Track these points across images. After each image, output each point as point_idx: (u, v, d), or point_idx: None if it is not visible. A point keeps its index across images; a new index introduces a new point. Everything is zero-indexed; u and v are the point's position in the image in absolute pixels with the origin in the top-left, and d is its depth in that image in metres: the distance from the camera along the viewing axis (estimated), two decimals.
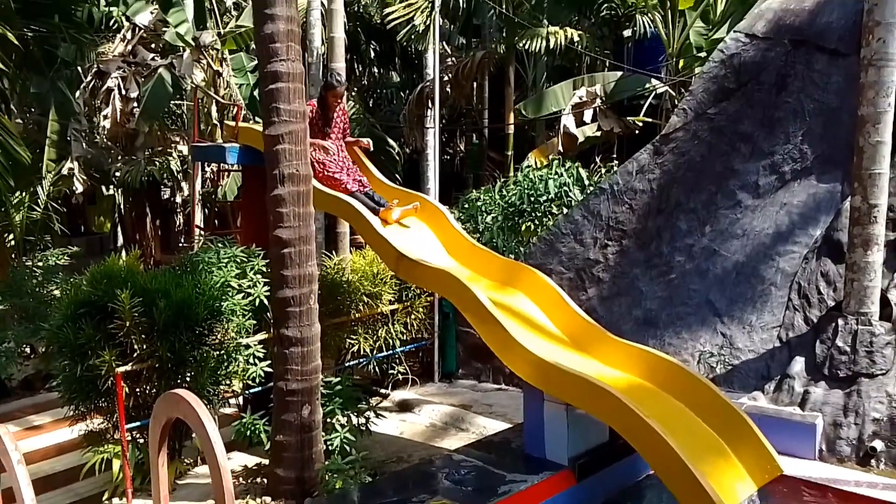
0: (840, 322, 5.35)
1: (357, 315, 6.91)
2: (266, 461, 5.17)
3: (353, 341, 6.88)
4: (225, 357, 5.42)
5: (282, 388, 4.83)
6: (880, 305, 5.27)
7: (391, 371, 7.39)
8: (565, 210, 8.32)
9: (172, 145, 12.38)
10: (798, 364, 5.42)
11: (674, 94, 11.59)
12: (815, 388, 5.21)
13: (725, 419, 4.18)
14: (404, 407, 6.91)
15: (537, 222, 8.50)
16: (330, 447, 5.04)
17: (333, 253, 7.80)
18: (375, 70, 16.26)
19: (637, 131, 12.52)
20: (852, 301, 5.33)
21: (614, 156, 12.57)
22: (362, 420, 5.52)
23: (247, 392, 5.93)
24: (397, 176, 11.74)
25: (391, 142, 12.63)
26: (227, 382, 5.58)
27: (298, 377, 4.81)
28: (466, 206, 9.52)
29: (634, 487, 4.60)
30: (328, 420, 5.28)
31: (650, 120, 12.27)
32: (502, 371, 7.34)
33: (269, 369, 5.34)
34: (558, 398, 4.31)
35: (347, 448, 5.05)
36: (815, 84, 6.60)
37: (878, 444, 4.76)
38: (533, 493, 4.02)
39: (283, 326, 4.84)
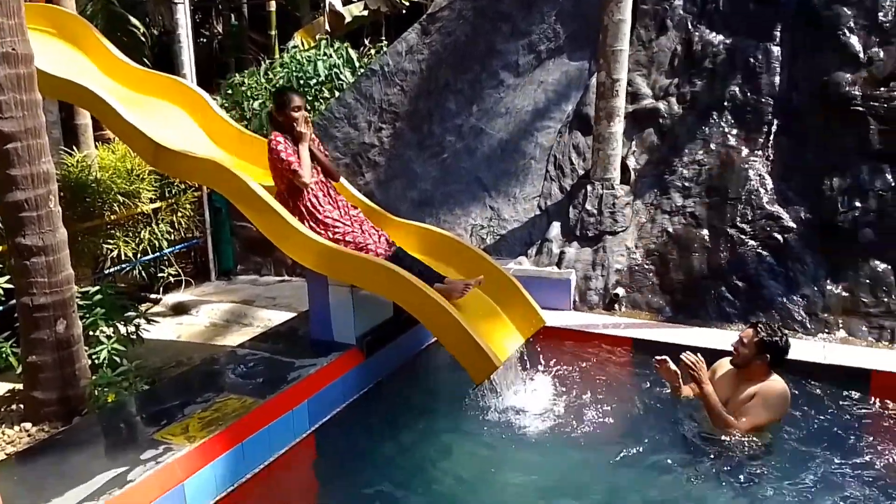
0: (588, 188, 5.96)
1: (113, 217, 6.20)
2: (20, 386, 4.59)
3: (111, 246, 6.20)
4: None
5: (27, 304, 4.23)
6: (621, 171, 5.95)
7: (161, 274, 6.86)
8: (337, 93, 8.06)
9: None
10: (555, 229, 5.99)
11: None
12: (569, 248, 5.82)
13: (497, 283, 4.52)
14: (180, 310, 6.49)
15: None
16: (96, 361, 4.59)
17: (75, 149, 6.80)
18: None
19: (404, 11, 12.34)
20: (598, 169, 5.94)
21: (383, 37, 12.33)
22: (131, 328, 5.08)
23: None
24: (145, 60, 10.41)
25: (134, 21, 11.07)
26: None
27: (46, 290, 4.22)
28: (230, 91, 8.81)
29: (419, 355, 4.88)
30: (91, 333, 4.78)
31: None
32: (284, 262, 7.18)
33: (10, 285, 4.63)
34: (343, 282, 4.32)
35: (117, 359, 4.65)
36: None
37: (620, 291, 5.51)
38: (323, 374, 4.06)
39: (19, 235, 4.17)
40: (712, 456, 3.48)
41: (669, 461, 3.47)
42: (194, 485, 3.16)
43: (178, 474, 3.10)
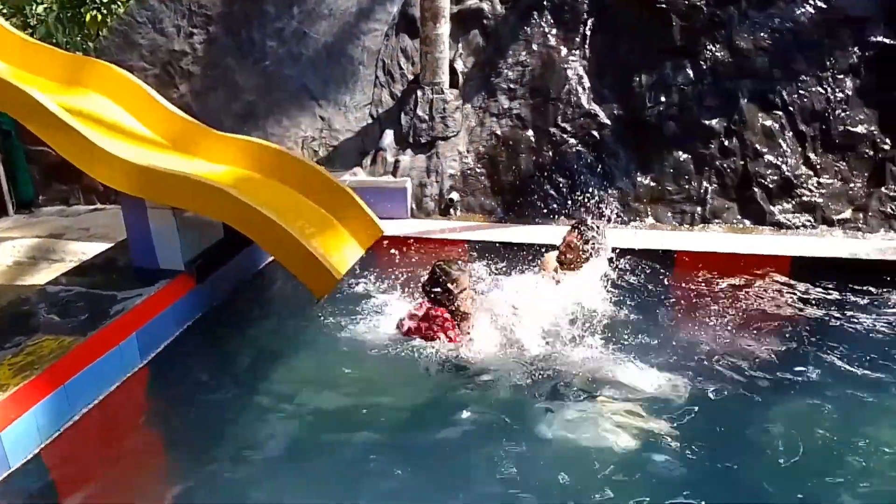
0: (419, 93, 5.91)
1: None
2: None
3: None
4: None
5: None
6: (449, 74, 5.94)
7: None
8: None
9: None
10: (388, 137, 5.93)
11: None
12: (404, 156, 5.81)
13: (332, 196, 4.41)
14: None
15: (105, 11, 7.24)
16: None
17: None
18: None
19: None
20: (427, 73, 5.88)
21: None
22: None
23: None
24: None
25: None
26: None
27: None
28: None
29: (257, 275, 4.73)
30: None
31: None
32: (95, 188, 6.52)
33: None
34: (163, 204, 4.01)
35: None
36: None
37: (455, 196, 5.64)
38: (150, 304, 3.81)
39: None
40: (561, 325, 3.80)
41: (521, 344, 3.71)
42: (13, 435, 2.90)
43: None
